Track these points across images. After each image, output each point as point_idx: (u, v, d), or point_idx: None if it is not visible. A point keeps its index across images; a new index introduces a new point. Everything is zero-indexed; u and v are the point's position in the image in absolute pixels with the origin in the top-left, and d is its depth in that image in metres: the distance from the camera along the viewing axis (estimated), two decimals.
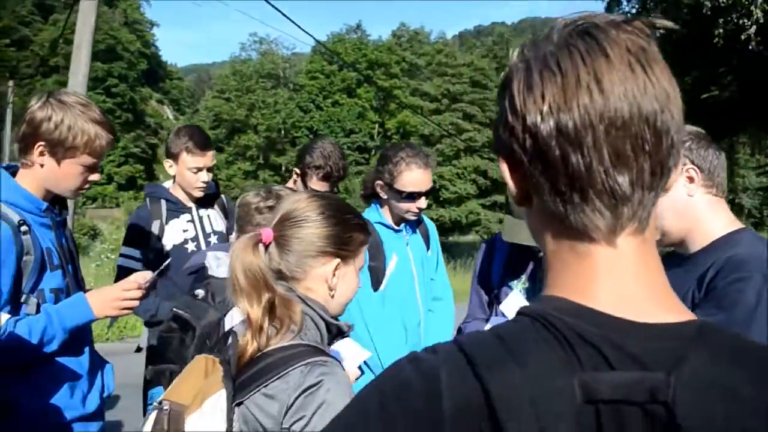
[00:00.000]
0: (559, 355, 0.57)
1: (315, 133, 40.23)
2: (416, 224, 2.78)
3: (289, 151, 41.43)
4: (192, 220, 2.86)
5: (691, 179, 1.49)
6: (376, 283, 2.51)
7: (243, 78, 44.20)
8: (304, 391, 1.14)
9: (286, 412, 1.15)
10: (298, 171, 2.97)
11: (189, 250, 2.77)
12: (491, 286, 2.34)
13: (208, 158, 2.78)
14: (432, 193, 2.71)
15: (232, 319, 1.63)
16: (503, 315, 1.90)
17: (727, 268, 1.36)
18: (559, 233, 0.64)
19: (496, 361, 0.58)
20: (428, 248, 2.83)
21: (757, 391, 0.56)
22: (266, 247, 1.28)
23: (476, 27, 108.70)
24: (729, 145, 12.77)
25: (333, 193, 2.93)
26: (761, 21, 6.84)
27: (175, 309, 1.85)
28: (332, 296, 1.34)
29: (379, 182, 2.58)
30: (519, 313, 0.64)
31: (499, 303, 2.29)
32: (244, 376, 1.19)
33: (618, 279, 0.62)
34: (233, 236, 3.11)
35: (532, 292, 2.17)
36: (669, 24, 0.65)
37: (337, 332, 1.34)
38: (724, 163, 1.54)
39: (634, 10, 13.13)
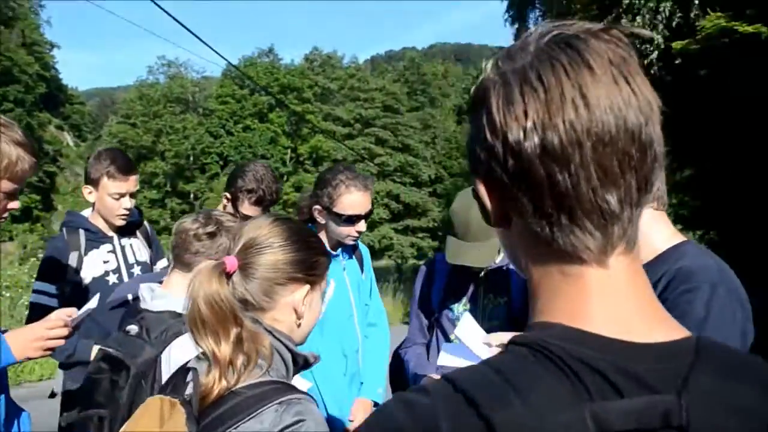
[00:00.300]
0: (565, 386, 0.55)
1: (225, 160, 39.41)
2: (352, 249, 2.74)
3: (198, 178, 40.29)
4: (113, 251, 2.71)
5: None
6: None
7: (150, 102, 42.66)
8: (282, 431, 1.09)
9: None
10: (228, 195, 2.87)
11: (110, 283, 2.63)
12: (431, 309, 2.35)
13: (131, 183, 2.64)
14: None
15: (170, 356, 1.57)
16: (460, 341, 1.88)
17: (676, 280, 1.39)
18: (545, 255, 0.62)
19: (499, 400, 0.55)
20: (362, 272, 2.80)
21: (764, 404, 0.55)
22: (229, 276, 1.20)
23: (387, 51, 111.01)
24: None
25: None
26: (662, 47, 7.48)
27: (103, 347, 1.72)
28: (298, 325, 1.28)
29: (317, 207, 2.50)
30: (512, 343, 0.61)
31: (440, 327, 2.31)
32: (209, 418, 1.11)
33: (612, 300, 0.60)
34: (159, 265, 2.93)
35: (474, 315, 2.21)
36: (646, 33, 0.67)
37: (303, 364, 1.28)
38: (663, 176, 1.56)
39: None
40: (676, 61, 7.24)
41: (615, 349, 0.57)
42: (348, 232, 2.49)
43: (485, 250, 2.14)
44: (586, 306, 0.60)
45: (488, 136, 0.61)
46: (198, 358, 1.21)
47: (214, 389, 1.12)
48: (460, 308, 2.30)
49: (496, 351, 1.22)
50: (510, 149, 0.59)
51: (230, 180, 2.89)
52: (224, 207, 2.90)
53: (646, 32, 0.68)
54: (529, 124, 0.58)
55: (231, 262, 1.20)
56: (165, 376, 1.54)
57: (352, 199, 2.45)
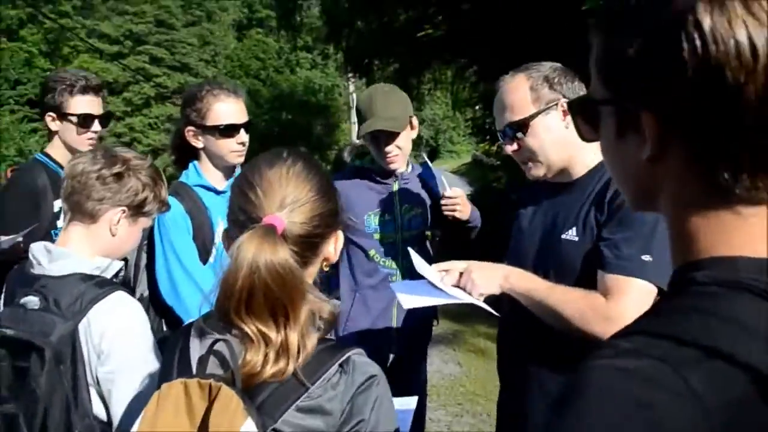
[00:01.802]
0: None
1: None
2: None
3: None
4: None
5: (565, 113, 1.69)
6: (205, 255, 2.26)
7: None
8: (357, 392, 1.05)
9: (342, 422, 1.03)
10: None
11: None
12: None
13: None
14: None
15: (91, 329, 1.47)
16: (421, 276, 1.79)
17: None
18: (709, 196, 0.62)
19: (741, 343, 0.54)
20: None
21: None
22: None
23: None
24: (434, 79, 15.01)
25: None
26: None
27: None
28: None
29: (190, 129, 2.31)
30: (697, 283, 0.61)
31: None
32: (262, 396, 1.01)
33: None
34: (60, 218, 2.36)
35: (391, 225, 2.44)
36: None
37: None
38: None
39: None
40: None
41: None
42: (229, 146, 2.32)
43: (394, 123, 2.33)
44: (764, 239, 0.61)
45: (690, 59, 0.57)
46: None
47: (265, 371, 1.00)
48: (377, 220, 2.46)
49: (452, 279, 1.66)
50: (723, 88, 0.56)
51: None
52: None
53: None
54: (760, 65, 0.54)
55: (279, 222, 1.04)
56: (87, 352, 1.47)
57: (225, 107, 2.30)
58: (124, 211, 1.67)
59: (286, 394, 1.02)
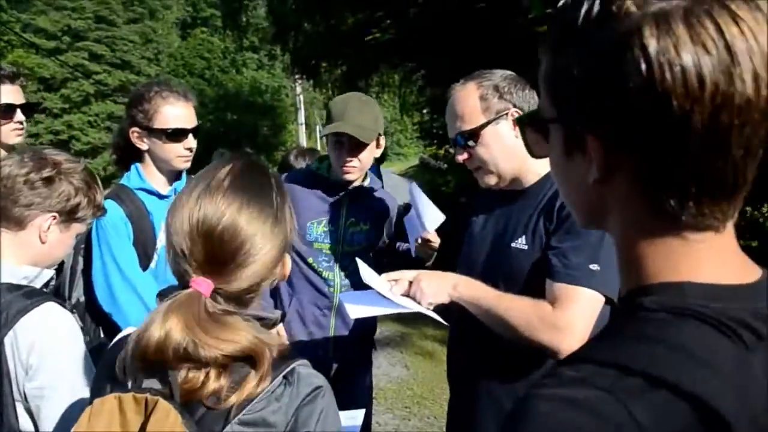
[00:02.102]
0: (725, 342, 0.56)
1: None
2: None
3: None
4: None
5: (515, 122, 1.65)
6: (146, 260, 2.19)
7: None
8: (301, 404, 1.02)
9: None
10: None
11: None
12: None
13: None
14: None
15: (17, 341, 1.42)
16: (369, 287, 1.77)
17: None
18: (657, 220, 0.62)
19: (687, 373, 0.54)
20: None
21: None
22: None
23: None
24: (381, 82, 15.20)
25: None
26: None
27: None
28: None
29: (135, 130, 2.23)
30: (645, 309, 0.60)
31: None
32: (202, 410, 0.98)
33: (727, 256, 0.63)
34: None
35: (333, 236, 2.40)
36: None
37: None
38: (537, 99, 1.66)
39: None
40: None
41: (743, 295, 0.60)
42: (176, 151, 2.25)
43: (363, 132, 2.26)
44: (710, 265, 0.61)
45: (636, 84, 0.55)
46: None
47: (206, 388, 0.98)
48: (319, 229, 2.42)
49: (401, 288, 1.63)
50: (669, 116, 0.55)
51: None
52: None
53: None
54: (707, 90, 0.54)
55: (206, 288, 1.01)
56: (14, 366, 1.41)
57: (174, 111, 2.23)
58: (54, 217, 1.58)
59: (228, 407, 0.98)
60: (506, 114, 1.72)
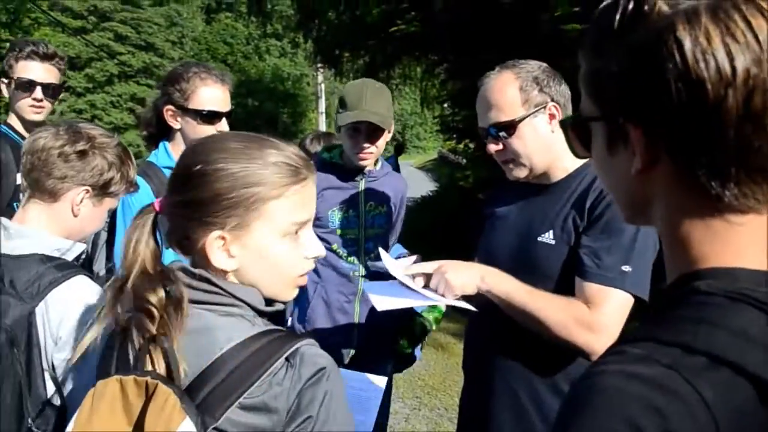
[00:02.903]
0: None
1: None
2: None
3: None
4: None
5: (552, 116, 1.68)
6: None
7: None
8: (304, 387, 0.98)
9: (289, 420, 0.97)
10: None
11: None
12: None
13: None
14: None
15: (49, 313, 1.42)
16: (379, 281, 1.82)
17: (607, 197, 1.56)
18: (701, 205, 0.64)
19: (749, 353, 0.56)
20: None
21: None
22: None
23: None
24: (403, 74, 15.07)
25: None
26: None
27: None
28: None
29: (170, 108, 2.25)
30: (700, 293, 0.62)
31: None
32: (203, 392, 0.95)
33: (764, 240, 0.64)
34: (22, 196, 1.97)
35: (356, 222, 2.43)
36: None
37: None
38: (569, 94, 1.71)
39: None
40: None
41: None
42: (207, 133, 2.18)
43: (382, 119, 2.29)
44: (754, 248, 0.63)
45: (673, 76, 0.59)
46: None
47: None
48: (341, 216, 2.45)
49: (420, 281, 1.61)
50: (705, 101, 0.58)
51: None
52: None
53: None
54: (739, 76, 0.57)
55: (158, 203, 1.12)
56: (44, 337, 1.41)
57: (212, 93, 2.27)
58: (87, 191, 1.59)
59: (229, 390, 0.96)
60: (544, 107, 1.70)
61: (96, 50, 35.59)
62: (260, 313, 1.09)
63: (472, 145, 10.49)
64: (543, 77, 1.70)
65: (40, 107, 2.59)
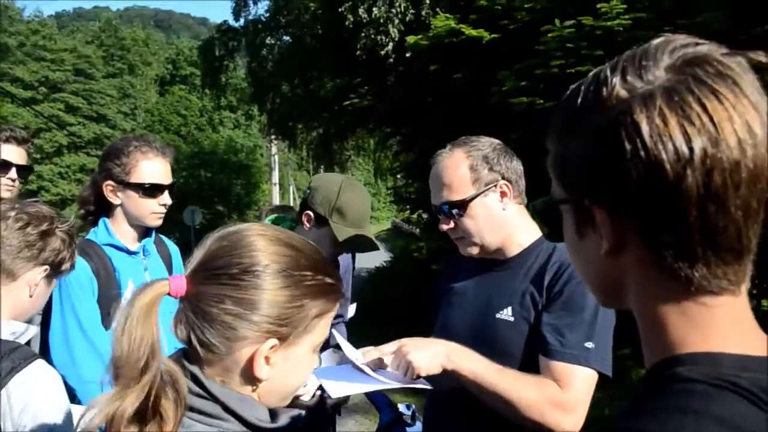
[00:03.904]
0: (757, 413, 0.57)
1: None
2: (156, 246, 2.43)
3: None
4: None
5: (504, 194, 1.68)
6: (107, 318, 2.07)
7: None
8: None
9: None
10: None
11: None
12: None
13: None
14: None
15: (11, 400, 1.40)
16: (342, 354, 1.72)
17: (565, 273, 1.58)
18: (672, 288, 0.63)
19: None
20: (170, 275, 2.83)
21: None
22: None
23: (76, 9, 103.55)
24: (356, 146, 15.63)
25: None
26: (396, 39, 9.16)
27: None
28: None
29: (110, 183, 2.20)
30: (683, 380, 0.61)
31: None
32: None
33: (744, 323, 0.64)
34: None
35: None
36: (762, 58, 0.62)
37: None
38: (522, 169, 1.73)
39: (264, 18, 14.84)
40: (408, 54, 8.78)
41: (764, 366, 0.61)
42: (150, 207, 2.23)
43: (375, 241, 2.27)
44: (733, 331, 0.63)
45: (632, 158, 0.60)
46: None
47: None
48: None
49: (380, 362, 1.52)
50: (665, 182, 0.59)
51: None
52: None
53: (762, 57, 0.61)
54: (697, 156, 0.58)
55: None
56: (3, 426, 1.39)
57: (153, 166, 2.22)
58: (46, 270, 1.57)
59: None
60: (495, 185, 1.69)
61: (45, 121, 35.09)
62: (253, 428, 0.98)
63: (425, 216, 10.69)
64: (493, 155, 1.69)
65: (13, 186, 2.64)
